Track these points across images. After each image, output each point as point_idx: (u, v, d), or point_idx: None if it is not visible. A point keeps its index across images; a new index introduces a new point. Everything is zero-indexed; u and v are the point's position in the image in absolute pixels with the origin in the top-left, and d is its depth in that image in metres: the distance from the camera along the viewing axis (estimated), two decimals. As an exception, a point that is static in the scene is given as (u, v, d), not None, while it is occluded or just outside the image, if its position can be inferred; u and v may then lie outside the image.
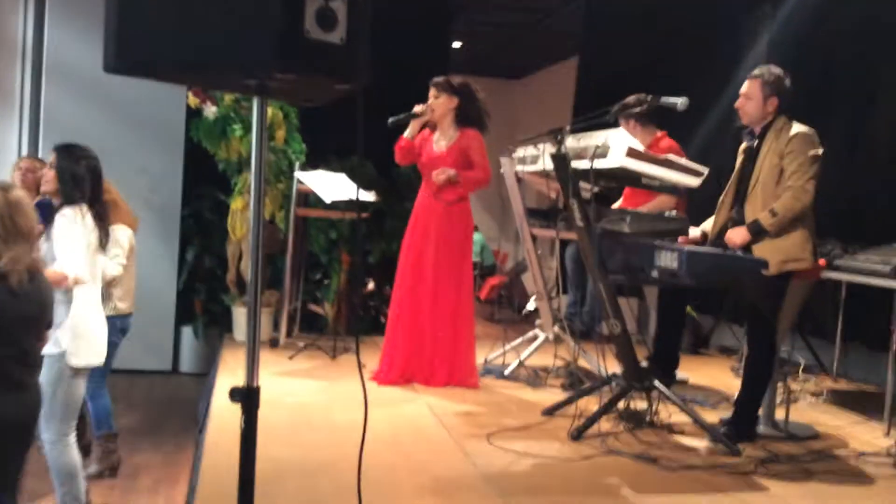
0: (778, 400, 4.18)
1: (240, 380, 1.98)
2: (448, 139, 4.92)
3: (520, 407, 4.50)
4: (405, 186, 6.66)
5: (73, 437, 3.49)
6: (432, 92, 4.89)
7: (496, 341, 5.66)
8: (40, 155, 6.14)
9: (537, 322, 5.49)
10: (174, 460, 4.76)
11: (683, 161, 4.26)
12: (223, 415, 3.89)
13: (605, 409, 3.94)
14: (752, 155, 4.05)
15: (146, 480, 4.43)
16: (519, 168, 4.99)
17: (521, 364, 5.22)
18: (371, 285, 7.09)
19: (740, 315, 5.56)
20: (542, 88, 13.20)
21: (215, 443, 3.58)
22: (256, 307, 1.99)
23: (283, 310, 6.17)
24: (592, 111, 4.13)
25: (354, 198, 5.52)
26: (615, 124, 4.13)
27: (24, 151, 6.67)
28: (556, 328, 5.31)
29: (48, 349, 3.33)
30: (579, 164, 4.03)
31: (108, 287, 4.09)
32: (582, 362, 5.11)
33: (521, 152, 4.88)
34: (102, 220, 3.56)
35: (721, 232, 4.11)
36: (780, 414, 4.12)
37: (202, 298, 6.89)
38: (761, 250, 3.86)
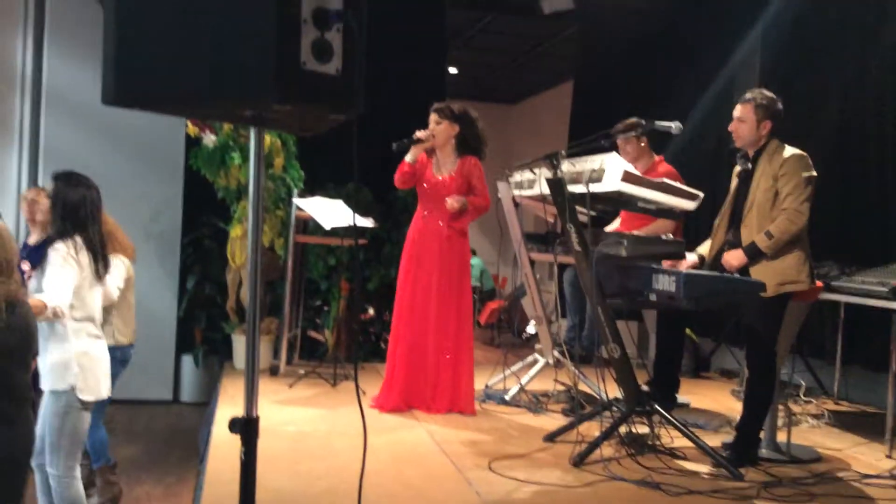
0: (779, 423, 4.17)
1: (240, 409, 1.98)
2: (450, 165, 4.94)
3: (521, 433, 4.49)
4: (402, 211, 6.68)
5: (78, 471, 3.47)
6: (434, 117, 4.91)
7: (496, 366, 5.65)
8: (40, 184, 6.16)
9: (537, 346, 5.49)
10: (175, 491, 4.73)
11: (679, 185, 4.28)
12: (223, 445, 3.87)
13: (607, 435, 3.92)
14: (746, 178, 4.08)
15: (147, 512, 4.42)
16: (516, 192, 5.00)
17: (521, 389, 5.21)
18: (371, 311, 7.08)
19: (740, 338, 5.55)
20: (538, 113, 13.28)
21: (216, 473, 3.56)
22: (255, 336, 2.00)
23: (283, 337, 6.16)
24: (587, 135, 4.16)
25: (352, 224, 5.52)
26: (611, 148, 4.15)
27: (24, 181, 6.69)
28: (556, 352, 5.31)
29: (55, 384, 3.32)
30: (575, 189, 4.05)
31: (105, 314, 4.08)
32: (582, 387, 5.09)
33: (517, 177, 4.89)
34: (101, 249, 3.53)
35: (718, 255, 4.12)
36: (781, 437, 4.11)
37: (202, 326, 6.88)
38: (758, 273, 3.88)
